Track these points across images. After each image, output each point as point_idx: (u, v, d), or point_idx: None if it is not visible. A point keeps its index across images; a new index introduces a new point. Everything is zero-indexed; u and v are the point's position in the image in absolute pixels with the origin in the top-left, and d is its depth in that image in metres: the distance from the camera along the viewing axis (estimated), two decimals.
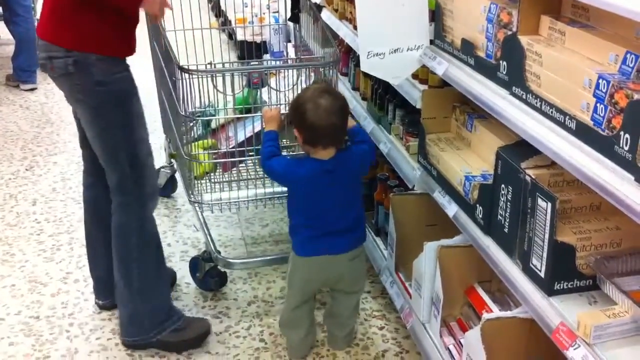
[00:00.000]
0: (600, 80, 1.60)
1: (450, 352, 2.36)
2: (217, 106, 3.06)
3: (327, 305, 2.83)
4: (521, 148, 1.97)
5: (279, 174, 2.49)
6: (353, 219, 2.50)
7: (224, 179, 3.19)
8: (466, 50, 2.24)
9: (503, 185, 2.02)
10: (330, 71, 2.78)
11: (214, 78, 2.71)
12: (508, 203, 1.99)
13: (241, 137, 2.99)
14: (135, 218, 2.60)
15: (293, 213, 2.52)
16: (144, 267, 2.65)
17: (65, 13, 2.37)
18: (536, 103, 1.85)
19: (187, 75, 2.65)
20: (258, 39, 5.00)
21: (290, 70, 3.12)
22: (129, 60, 2.53)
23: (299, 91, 2.89)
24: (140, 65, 2.59)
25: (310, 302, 2.63)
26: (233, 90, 2.73)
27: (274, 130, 2.55)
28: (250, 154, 2.95)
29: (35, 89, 5.91)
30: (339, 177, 2.41)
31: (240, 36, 5.69)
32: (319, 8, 3.74)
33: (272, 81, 3.00)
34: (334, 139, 2.39)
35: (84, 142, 2.67)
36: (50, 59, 2.38)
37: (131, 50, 2.52)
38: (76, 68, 2.36)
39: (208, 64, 3.29)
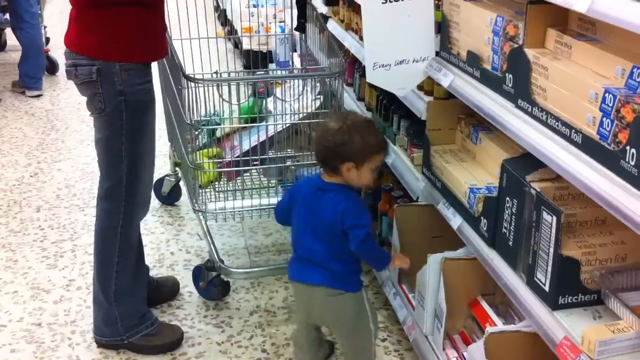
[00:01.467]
0: (606, 94, 1.59)
1: None
2: (223, 115, 3.07)
3: None
4: (526, 161, 1.97)
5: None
6: (322, 256, 2.31)
7: (229, 188, 3.19)
8: (472, 62, 2.24)
9: (508, 198, 2.01)
10: (336, 81, 2.78)
11: (220, 87, 2.71)
12: (513, 216, 1.99)
13: (246, 147, 2.99)
14: (122, 224, 2.63)
15: None
16: (122, 271, 2.68)
17: (87, 22, 2.43)
18: (542, 116, 1.85)
19: (192, 84, 2.65)
20: (264, 49, 5.01)
21: (295, 80, 3.12)
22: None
23: (304, 101, 2.91)
24: None
25: (310, 329, 2.49)
26: (238, 99, 2.74)
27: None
28: (255, 163, 2.95)
29: (41, 95, 5.92)
30: (323, 203, 2.30)
31: (246, 45, 5.71)
32: (325, 18, 3.75)
33: (278, 91, 3.01)
34: (319, 159, 2.35)
35: None
36: (75, 66, 2.46)
37: (156, 54, 2.60)
38: (99, 76, 2.43)
39: (214, 72, 3.29)
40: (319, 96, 3.02)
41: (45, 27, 6.36)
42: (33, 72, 5.90)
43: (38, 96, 5.90)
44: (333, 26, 3.68)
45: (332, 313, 2.38)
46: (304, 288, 2.38)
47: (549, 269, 1.80)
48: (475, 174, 2.35)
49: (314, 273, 2.33)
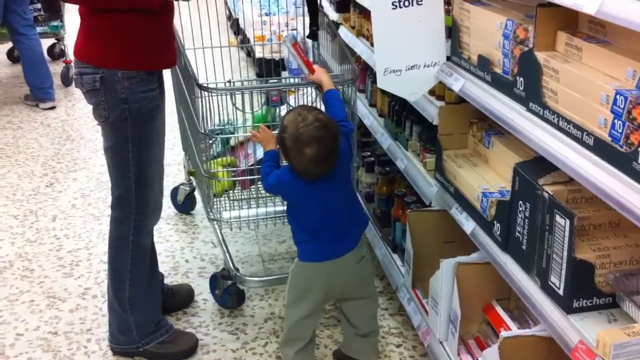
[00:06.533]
0: (617, 96, 1.59)
1: None
2: (236, 124, 3.08)
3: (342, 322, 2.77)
4: (538, 164, 1.96)
5: (276, 186, 2.48)
6: (351, 219, 2.46)
7: (243, 197, 3.20)
8: (483, 67, 2.24)
9: (521, 202, 2.01)
10: (349, 88, 2.79)
11: (233, 96, 2.72)
12: (526, 220, 1.98)
13: (260, 155, 2.99)
14: (133, 232, 2.64)
15: (296, 222, 2.54)
16: (136, 278, 2.70)
17: (90, 30, 2.45)
18: (553, 119, 1.85)
19: (206, 93, 2.67)
20: (277, 57, 5.03)
21: (308, 88, 3.13)
22: None
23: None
24: None
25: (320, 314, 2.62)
26: (252, 108, 2.75)
27: (274, 150, 2.50)
28: None
29: (54, 107, 5.87)
30: (328, 185, 2.38)
31: (259, 54, 5.73)
32: (337, 25, 3.76)
33: (291, 99, 3.02)
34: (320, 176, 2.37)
35: None
36: (81, 74, 2.48)
37: (160, 63, 2.57)
38: (103, 84, 2.44)
39: (227, 81, 3.31)
40: None
41: (63, 38, 6.42)
42: (39, 82, 5.82)
43: (52, 108, 5.87)
44: (344, 33, 3.70)
45: (359, 276, 2.51)
46: (332, 264, 2.44)
47: (563, 272, 1.79)
48: (487, 178, 2.35)
49: (345, 243, 2.45)
